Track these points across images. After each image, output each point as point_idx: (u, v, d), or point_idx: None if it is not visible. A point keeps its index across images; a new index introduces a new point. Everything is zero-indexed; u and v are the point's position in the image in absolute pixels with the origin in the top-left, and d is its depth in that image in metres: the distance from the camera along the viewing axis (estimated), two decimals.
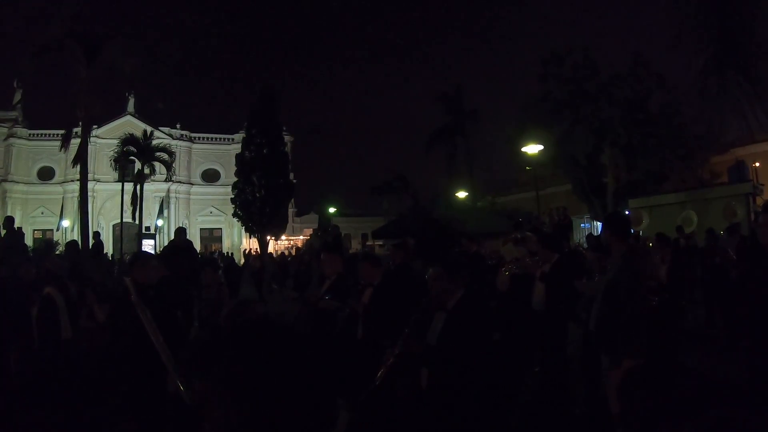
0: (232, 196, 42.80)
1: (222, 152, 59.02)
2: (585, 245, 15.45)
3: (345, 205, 50.15)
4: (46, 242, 23.30)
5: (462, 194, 39.36)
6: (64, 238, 39.17)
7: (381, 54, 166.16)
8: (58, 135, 45.77)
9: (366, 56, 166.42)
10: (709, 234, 13.28)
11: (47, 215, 52.55)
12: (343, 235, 22.44)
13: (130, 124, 51.85)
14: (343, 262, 7.73)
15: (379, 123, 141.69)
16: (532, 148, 24.44)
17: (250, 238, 46.45)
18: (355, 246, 42.14)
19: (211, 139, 60.50)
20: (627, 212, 20.07)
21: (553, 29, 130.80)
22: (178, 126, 58.43)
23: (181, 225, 37.68)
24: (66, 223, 48.90)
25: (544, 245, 7.23)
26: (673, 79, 25.67)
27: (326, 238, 16.98)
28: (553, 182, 34.73)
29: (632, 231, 9.77)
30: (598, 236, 14.02)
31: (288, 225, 47.20)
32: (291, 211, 50.96)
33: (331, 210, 47.09)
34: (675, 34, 24.36)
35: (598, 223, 27.58)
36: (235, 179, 43.04)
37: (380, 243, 26.68)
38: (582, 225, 31.66)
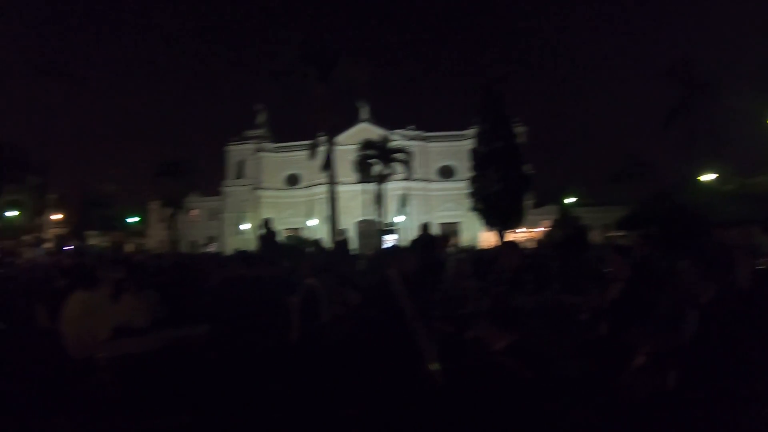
0: (469, 191, 43.27)
1: (455, 148, 60.32)
2: None
3: (585, 194, 48.00)
4: (297, 239, 25.88)
5: (707, 177, 35.44)
6: (311, 235, 42.71)
7: (604, 30, 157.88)
8: (299, 146, 52.78)
9: (587, 33, 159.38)
10: None
11: (295, 216, 59.08)
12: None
13: (365, 130, 56.28)
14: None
15: (609, 105, 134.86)
16: None
17: (488, 231, 46.50)
18: (596, 237, 40.07)
19: (444, 136, 62.41)
20: None
21: None
22: (411, 127, 61.42)
23: (422, 221, 39.03)
24: (314, 221, 54.84)
25: None
26: None
27: (568, 231, 15.99)
28: None
29: None
30: None
31: (526, 217, 46.53)
32: (528, 202, 50.18)
33: (571, 200, 45.35)
34: None
35: None
36: (470, 174, 43.47)
37: (622, 234, 25.08)
38: None
